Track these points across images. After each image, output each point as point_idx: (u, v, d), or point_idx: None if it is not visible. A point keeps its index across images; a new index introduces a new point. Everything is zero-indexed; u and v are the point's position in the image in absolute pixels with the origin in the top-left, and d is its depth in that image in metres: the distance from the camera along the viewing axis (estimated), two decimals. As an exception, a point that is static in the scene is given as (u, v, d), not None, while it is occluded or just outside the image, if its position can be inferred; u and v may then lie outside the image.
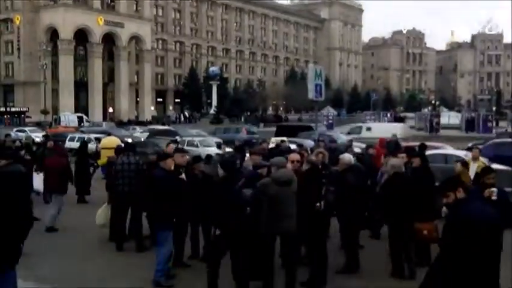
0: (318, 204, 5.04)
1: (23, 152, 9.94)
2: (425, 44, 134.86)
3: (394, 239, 5.60)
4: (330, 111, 41.24)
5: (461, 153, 11.29)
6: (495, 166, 10.71)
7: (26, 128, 31.45)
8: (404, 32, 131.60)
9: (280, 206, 4.79)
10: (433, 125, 34.13)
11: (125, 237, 6.78)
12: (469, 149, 11.96)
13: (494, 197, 4.73)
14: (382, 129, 22.25)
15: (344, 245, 5.91)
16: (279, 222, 4.81)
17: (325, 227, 5.37)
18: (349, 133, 24.36)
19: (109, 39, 60.54)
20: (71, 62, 57.60)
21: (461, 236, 2.94)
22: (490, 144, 14.43)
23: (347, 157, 6.15)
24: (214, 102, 62.74)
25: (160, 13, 78.64)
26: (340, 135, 20.93)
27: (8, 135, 16.15)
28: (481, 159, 8.21)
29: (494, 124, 35.59)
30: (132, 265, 5.91)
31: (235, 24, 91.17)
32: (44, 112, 51.78)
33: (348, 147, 10.24)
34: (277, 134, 22.43)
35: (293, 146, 11.11)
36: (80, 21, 56.55)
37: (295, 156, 5.56)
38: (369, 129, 23.77)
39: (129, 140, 18.53)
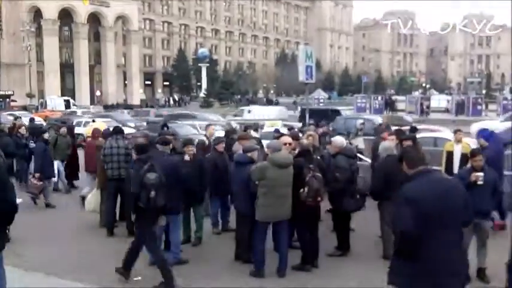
0: (301, 190, 4.98)
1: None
2: (416, 25, 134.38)
3: (386, 221, 5.53)
4: (320, 94, 41.00)
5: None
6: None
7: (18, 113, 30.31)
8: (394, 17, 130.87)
9: (278, 189, 4.87)
10: (424, 108, 34.15)
11: (116, 222, 6.78)
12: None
13: (480, 182, 4.71)
14: (261, 112, 27.43)
15: (335, 228, 5.96)
16: (274, 209, 4.89)
17: (316, 211, 5.39)
18: (235, 115, 28.02)
19: (95, 20, 59.00)
20: (56, 43, 56.14)
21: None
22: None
23: (339, 140, 6.14)
24: (204, 85, 61.99)
25: (147, -8, 76.81)
26: (378, 118, 19.84)
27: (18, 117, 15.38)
28: (465, 140, 8.14)
29: (484, 107, 35.64)
30: (123, 250, 5.72)
31: (224, 3, 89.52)
32: (30, 95, 50.62)
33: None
34: (302, 119, 21.40)
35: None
36: (64, 1, 54.90)
37: (287, 139, 5.57)
38: (249, 111, 28.01)
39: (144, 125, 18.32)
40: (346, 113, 24.17)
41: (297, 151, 5.51)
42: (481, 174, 4.72)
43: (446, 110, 36.25)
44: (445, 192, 2.86)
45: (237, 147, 6.20)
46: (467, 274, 2.96)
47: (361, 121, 12.89)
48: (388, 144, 6.07)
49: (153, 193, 4.50)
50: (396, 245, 2.84)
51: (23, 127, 10.52)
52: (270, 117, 24.74)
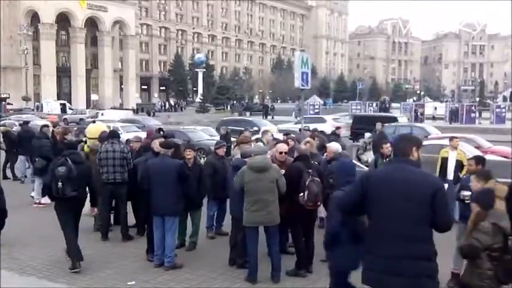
0: (301, 195, 4.98)
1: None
2: (411, 33, 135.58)
3: None
4: (316, 100, 41.15)
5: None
6: (493, 158, 10.78)
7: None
8: (388, 23, 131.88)
9: (257, 194, 4.84)
10: (418, 115, 34.40)
11: (110, 226, 6.75)
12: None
13: (467, 201, 4.48)
14: (111, 114, 29.62)
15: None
16: (257, 214, 4.88)
17: (312, 216, 5.38)
18: (92, 117, 29.43)
19: (92, 24, 59.07)
20: (53, 47, 56.11)
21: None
22: None
23: (334, 145, 6.19)
24: (200, 90, 62.06)
25: (144, -3, 77.04)
26: (432, 129, 18.98)
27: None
28: (460, 148, 8.25)
29: (477, 115, 35.95)
30: (117, 254, 5.88)
31: (221, 10, 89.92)
32: (26, 99, 50.52)
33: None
34: (354, 127, 21.03)
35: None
36: (62, 5, 54.96)
37: (282, 147, 5.52)
38: (102, 114, 30.64)
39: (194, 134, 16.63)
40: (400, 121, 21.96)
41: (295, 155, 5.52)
42: (467, 193, 4.46)
43: (433, 118, 36.38)
44: (403, 178, 2.75)
45: (236, 152, 6.18)
46: (428, 276, 2.77)
47: (368, 135, 12.12)
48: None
49: (60, 184, 5.14)
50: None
51: (70, 134, 9.51)
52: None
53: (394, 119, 21.18)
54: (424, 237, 2.77)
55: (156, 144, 6.07)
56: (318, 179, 5.16)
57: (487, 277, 3.44)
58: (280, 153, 5.38)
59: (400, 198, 2.73)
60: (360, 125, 19.93)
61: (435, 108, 40.13)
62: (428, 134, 16.44)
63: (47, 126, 10.08)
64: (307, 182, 4.99)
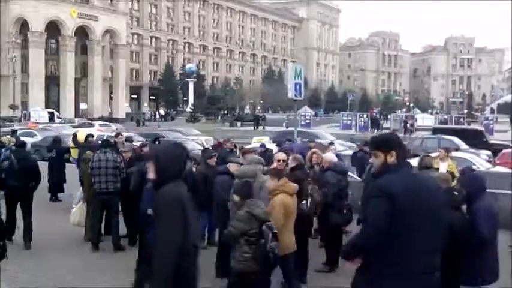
0: (303, 202, 4.95)
1: None
2: (400, 46, 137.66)
3: None
4: (307, 111, 41.33)
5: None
6: (496, 169, 10.80)
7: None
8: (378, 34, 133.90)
9: None
10: (407, 127, 34.70)
11: (101, 236, 6.66)
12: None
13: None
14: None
15: (325, 244, 5.98)
16: None
17: (308, 226, 5.38)
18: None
19: (82, 33, 58.77)
20: (42, 55, 55.57)
21: None
22: None
23: (329, 156, 6.27)
24: (191, 100, 61.94)
25: (136, 7, 77.03)
26: (459, 141, 17.23)
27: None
28: (450, 160, 8.32)
29: (466, 126, 36.36)
30: (108, 265, 5.80)
31: (212, 20, 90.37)
32: (13, 107, 49.77)
33: None
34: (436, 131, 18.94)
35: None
36: (52, 13, 54.61)
37: (281, 155, 5.54)
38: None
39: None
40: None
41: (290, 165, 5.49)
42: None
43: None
44: (423, 188, 2.55)
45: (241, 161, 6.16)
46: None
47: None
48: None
49: (3, 175, 6.42)
50: (360, 239, 2.52)
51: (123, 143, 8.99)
52: None
53: (479, 133, 19.12)
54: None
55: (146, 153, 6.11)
56: (316, 187, 5.20)
57: (244, 259, 3.91)
58: (279, 161, 5.35)
59: (426, 207, 2.49)
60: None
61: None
62: (458, 146, 15.28)
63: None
64: (309, 190, 4.99)
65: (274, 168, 5.10)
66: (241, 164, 5.51)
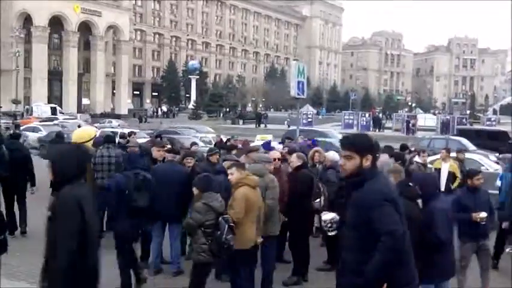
0: (317, 201, 5.01)
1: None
2: (403, 46, 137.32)
3: None
4: (309, 109, 41.26)
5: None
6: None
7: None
8: (381, 33, 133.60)
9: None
10: (410, 127, 34.65)
11: (103, 232, 6.48)
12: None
13: (483, 222, 4.54)
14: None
15: (326, 242, 6.00)
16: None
17: (310, 225, 5.41)
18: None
19: (86, 28, 58.75)
20: (45, 50, 55.59)
21: None
22: None
23: (331, 155, 6.27)
24: (193, 97, 61.95)
25: (139, 3, 76.99)
26: (467, 142, 17.01)
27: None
28: (452, 160, 8.32)
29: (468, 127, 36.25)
30: (110, 261, 5.61)
31: (215, 17, 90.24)
32: (16, 102, 49.80)
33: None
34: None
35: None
36: (56, 8, 54.56)
37: (274, 154, 5.61)
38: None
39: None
40: None
41: (293, 164, 5.51)
42: (483, 215, 4.49)
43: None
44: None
45: (243, 160, 6.03)
46: None
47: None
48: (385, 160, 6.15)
49: None
50: (383, 251, 2.29)
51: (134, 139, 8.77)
52: None
53: (504, 134, 18.25)
54: None
55: (155, 151, 5.97)
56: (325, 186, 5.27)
57: (202, 250, 4.05)
58: (274, 160, 5.37)
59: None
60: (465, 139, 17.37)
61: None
62: (465, 147, 14.92)
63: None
64: (322, 188, 5.03)
65: (238, 161, 5.14)
66: (237, 161, 5.46)
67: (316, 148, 7.05)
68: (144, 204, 4.73)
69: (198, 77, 66.82)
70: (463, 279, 4.65)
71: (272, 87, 74.18)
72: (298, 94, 14.55)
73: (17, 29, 53.98)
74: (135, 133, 9.64)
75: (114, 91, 64.65)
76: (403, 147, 10.09)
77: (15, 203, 6.93)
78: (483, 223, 4.50)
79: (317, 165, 6.37)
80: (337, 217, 2.52)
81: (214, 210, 4.13)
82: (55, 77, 57.63)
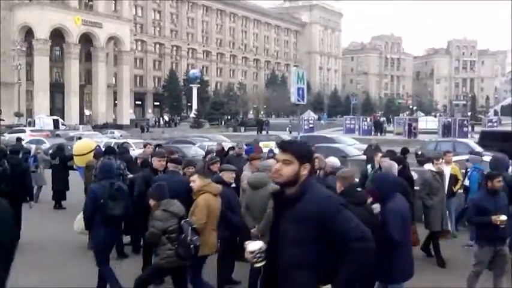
0: None
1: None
2: (403, 49, 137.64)
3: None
4: (310, 115, 41.33)
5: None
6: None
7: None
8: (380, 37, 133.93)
9: (252, 209, 4.86)
10: (411, 130, 34.61)
11: None
12: None
13: (502, 226, 4.46)
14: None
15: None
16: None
17: None
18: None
19: (86, 40, 59.23)
20: (47, 62, 56.01)
21: None
22: None
23: (332, 160, 6.24)
24: (195, 105, 62.14)
25: (139, 14, 77.58)
26: (475, 144, 16.92)
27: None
28: (454, 163, 8.33)
29: (470, 129, 36.28)
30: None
31: (216, 26, 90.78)
32: (18, 115, 50.14)
33: None
34: (481, 144, 17.14)
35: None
36: (57, 21, 55.10)
37: (271, 162, 5.54)
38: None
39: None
40: None
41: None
42: (504, 218, 4.40)
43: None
44: None
45: (246, 168, 6.16)
46: None
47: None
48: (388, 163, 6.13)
49: None
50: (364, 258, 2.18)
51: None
52: None
53: None
54: None
55: (155, 161, 5.94)
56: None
57: (166, 256, 4.11)
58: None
59: None
60: (490, 142, 16.83)
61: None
62: (473, 149, 14.85)
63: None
64: None
65: (203, 169, 5.20)
66: (235, 171, 5.44)
67: (316, 154, 7.07)
68: (119, 213, 4.83)
69: (199, 85, 67.05)
70: (474, 286, 4.57)
71: (273, 93, 74.37)
72: (298, 100, 14.63)
73: (19, 42, 54.46)
74: (150, 144, 9.36)
75: (116, 102, 64.96)
76: (404, 151, 10.16)
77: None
78: (502, 226, 4.42)
79: (318, 172, 6.34)
80: (265, 246, 2.19)
81: (174, 215, 4.20)
82: (57, 89, 57.99)
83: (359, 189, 3.80)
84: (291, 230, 2.09)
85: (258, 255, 2.19)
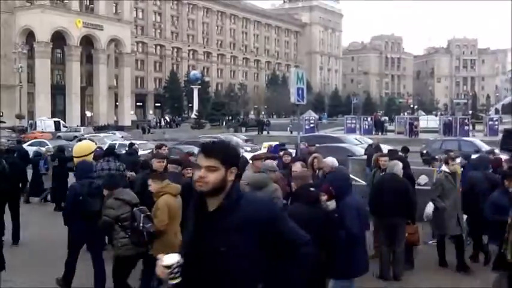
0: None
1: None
2: (403, 49, 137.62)
3: (383, 241, 5.68)
4: (311, 115, 41.41)
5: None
6: None
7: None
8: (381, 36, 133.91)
9: None
10: (413, 129, 34.66)
11: (105, 245, 6.53)
12: None
13: None
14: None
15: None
16: None
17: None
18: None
19: (87, 42, 59.43)
20: (48, 65, 56.22)
21: None
22: None
23: (330, 160, 6.22)
24: (196, 106, 62.28)
25: (140, 16, 77.78)
26: (481, 143, 16.91)
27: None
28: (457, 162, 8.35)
29: (471, 127, 36.29)
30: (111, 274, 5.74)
31: (216, 27, 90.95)
32: (19, 117, 50.32)
33: None
34: (504, 143, 16.72)
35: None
36: (58, 23, 55.31)
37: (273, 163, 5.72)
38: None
39: None
40: None
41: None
42: None
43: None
44: None
45: (248, 168, 6.07)
46: None
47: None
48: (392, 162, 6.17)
49: None
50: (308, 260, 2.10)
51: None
52: None
53: None
54: None
55: (155, 162, 5.96)
56: None
57: (122, 244, 4.17)
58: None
59: None
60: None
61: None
62: (479, 148, 14.81)
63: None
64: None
65: (155, 172, 5.25)
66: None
67: (315, 154, 6.93)
68: (96, 208, 4.99)
69: (199, 86, 67.20)
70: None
71: (274, 94, 74.46)
72: (298, 100, 14.73)
73: (20, 45, 54.68)
74: (166, 145, 8.95)
75: (117, 103, 65.15)
76: (405, 150, 10.23)
77: (6, 213, 7.28)
78: None
79: (316, 172, 6.28)
80: (182, 260, 1.89)
81: (126, 203, 4.30)
82: (58, 91, 58.18)
83: (312, 188, 3.80)
84: (229, 240, 1.86)
85: (176, 270, 1.86)
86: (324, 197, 3.97)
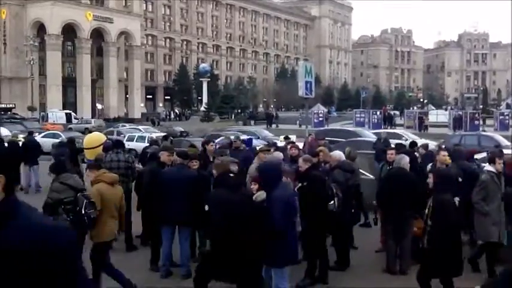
0: (331, 202, 5.01)
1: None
2: (413, 42, 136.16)
3: (390, 235, 5.72)
4: (320, 108, 41.31)
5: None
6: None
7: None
8: (390, 31, 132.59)
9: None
10: (422, 123, 34.48)
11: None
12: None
13: None
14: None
15: (334, 243, 5.94)
16: None
17: (329, 225, 5.25)
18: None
19: (98, 35, 59.81)
20: (59, 57, 56.75)
21: None
22: None
23: (337, 154, 6.26)
24: (205, 99, 62.49)
25: (150, 9, 77.94)
26: (501, 138, 16.59)
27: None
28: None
29: (481, 122, 35.99)
30: (121, 265, 5.71)
31: (225, 20, 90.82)
32: (31, 109, 51.02)
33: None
34: None
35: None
36: (68, 16, 55.73)
37: (279, 155, 5.97)
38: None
39: None
40: None
41: (301, 168, 5.37)
42: None
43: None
44: None
45: (255, 161, 6.14)
46: None
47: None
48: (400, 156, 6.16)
49: None
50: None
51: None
52: None
53: None
54: None
55: (164, 155, 5.96)
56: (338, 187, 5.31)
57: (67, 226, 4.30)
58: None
59: None
60: None
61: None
62: (498, 143, 14.47)
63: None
64: (335, 190, 5.04)
65: (93, 163, 5.56)
66: (237, 163, 5.45)
67: (320, 148, 6.90)
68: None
69: (209, 79, 67.29)
70: None
71: (283, 87, 74.34)
72: (306, 94, 14.85)
73: (31, 37, 55.24)
74: (213, 141, 8.36)
75: (127, 96, 65.60)
76: (413, 144, 10.28)
77: None
78: None
79: (323, 165, 6.20)
80: None
81: (71, 188, 4.51)
82: (69, 83, 58.76)
83: (231, 175, 4.12)
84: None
85: None
86: (254, 186, 4.19)
